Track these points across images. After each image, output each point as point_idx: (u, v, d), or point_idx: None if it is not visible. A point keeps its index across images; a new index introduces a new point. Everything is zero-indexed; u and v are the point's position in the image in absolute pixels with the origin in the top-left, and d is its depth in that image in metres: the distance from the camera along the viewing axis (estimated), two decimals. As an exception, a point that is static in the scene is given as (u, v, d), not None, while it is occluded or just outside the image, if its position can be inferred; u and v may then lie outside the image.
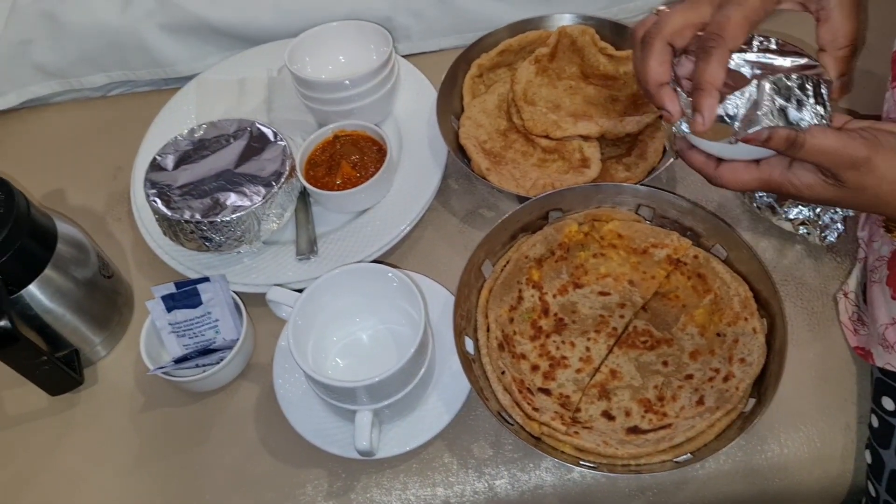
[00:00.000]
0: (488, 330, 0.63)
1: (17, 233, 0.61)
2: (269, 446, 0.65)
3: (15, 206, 0.61)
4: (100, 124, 0.91)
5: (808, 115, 0.46)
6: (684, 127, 0.49)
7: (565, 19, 0.82)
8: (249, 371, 0.70)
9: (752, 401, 0.57)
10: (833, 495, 0.60)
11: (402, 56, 0.87)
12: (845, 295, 0.64)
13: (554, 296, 0.66)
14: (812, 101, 0.46)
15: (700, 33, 0.49)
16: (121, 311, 0.74)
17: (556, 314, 0.65)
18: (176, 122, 0.84)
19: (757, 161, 0.49)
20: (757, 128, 0.46)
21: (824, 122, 0.46)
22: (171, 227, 0.71)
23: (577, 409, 0.60)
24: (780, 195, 0.52)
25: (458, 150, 0.76)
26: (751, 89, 0.46)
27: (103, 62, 0.90)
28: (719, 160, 0.50)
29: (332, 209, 0.76)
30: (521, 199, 0.69)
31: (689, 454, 0.55)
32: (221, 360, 0.66)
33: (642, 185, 0.67)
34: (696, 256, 0.64)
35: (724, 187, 0.51)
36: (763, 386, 0.57)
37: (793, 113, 0.46)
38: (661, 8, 0.49)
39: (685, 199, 0.65)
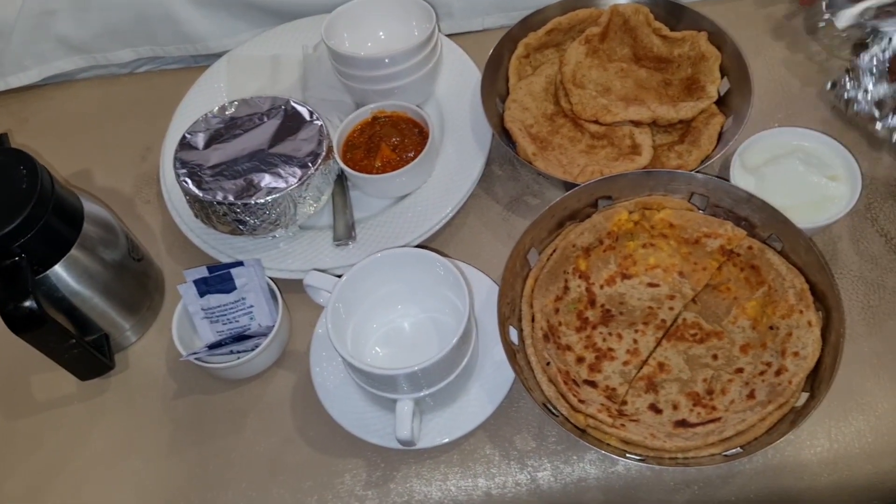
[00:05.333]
0: (533, 320, 0.69)
1: (41, 210, 0.64)
2: (306, 435, 0.71)
3: (39, 182, 0.64)
4: (127, 102, 0.98)
5: None
6: None
7: None
8: (285, 359, 0.76)
9: (805, 395, 0.63)
10: (883, 491, 0.66)
11: (445, 35, 0.93)
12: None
13: (601, 286, 0.73)
14: None
15: None
16: (151, 295, 0.80)
17: (602, 305, 0.72)
18: (206, 100, 0.91)
19: None
20: None
21: None
22: (204, 209, 0.76)
23: (624, 402, 0.66)
24: None
25: (503, 134, 0.83)
26: None
27: (130, 37, 0.97)
28: None
29: (370, 194, 0.83)
30: (568, 187, 0.75)
31: (739, 448, 0.61)
32: (256, 346, 0.72)
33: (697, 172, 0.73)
34: (750, 247, 0.70)
35: None
36: (817, 380, 0.64)
37: None
38: None
39: (741, 189, 0.71)
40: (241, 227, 0.76)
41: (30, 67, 0.99)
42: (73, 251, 0.69)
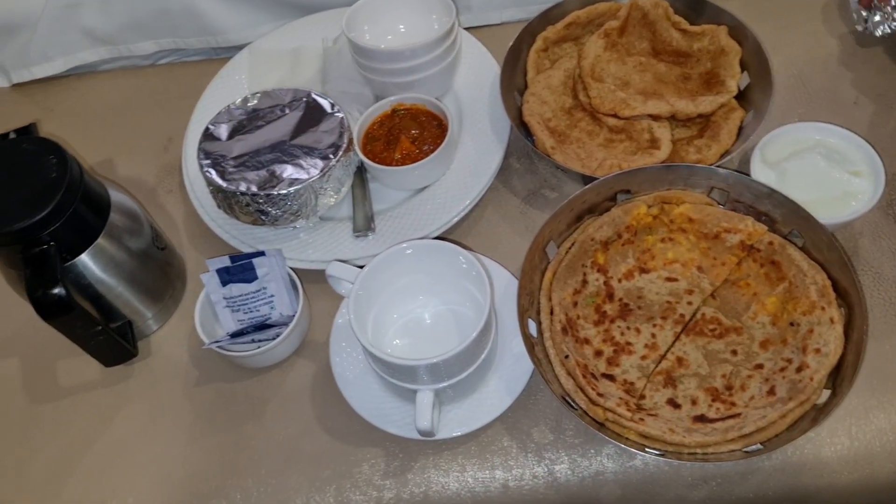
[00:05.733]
0: (552, 313, 0.69)
1: (70, 199, 0.65)
2: (325, 424, 0.72)
3: (68, 172, 0.65)
4: (150, 93, 0.99)
5: None
6: None
7: None
8: (304, 348, 0.76)
9: (827, 392, 0.62)
10: (904, 490, 0.65)
11: (464, 28, 0.93)
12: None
13: (619, 280, 0.72)
14: None
15: None
16: (174, 284, 0.80)
17: (621, 299, 0.71)
18: (228, 92, 0.91)
19: None
20: None
21: None
22: (226, 200, 0.76)
23: (642, 396, 0.65)
24: None
25: (522, 128, 0.82)
26: None
27: (153, 29, 0.97)
28: None
29: (390, 185, 0.83)
30: (586, 180, 0.74)
31: (759, 444, 0.60)
32: (277, 335, 0.72)
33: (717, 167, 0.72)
34: (770, 243, 0.69)
35: None
36: (839, 378, 0.62)
37: None
38: None
39: (763, 184, 0.70)
40: (262, 217, 0.77)
41: (55, 58, 0.99)
42: (100, 240, 0.70)
